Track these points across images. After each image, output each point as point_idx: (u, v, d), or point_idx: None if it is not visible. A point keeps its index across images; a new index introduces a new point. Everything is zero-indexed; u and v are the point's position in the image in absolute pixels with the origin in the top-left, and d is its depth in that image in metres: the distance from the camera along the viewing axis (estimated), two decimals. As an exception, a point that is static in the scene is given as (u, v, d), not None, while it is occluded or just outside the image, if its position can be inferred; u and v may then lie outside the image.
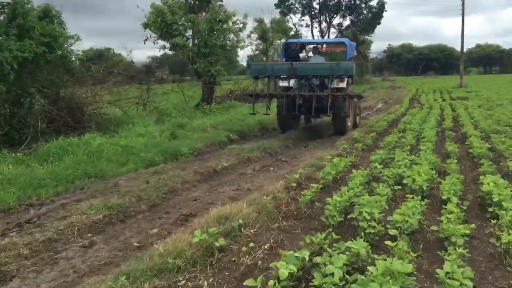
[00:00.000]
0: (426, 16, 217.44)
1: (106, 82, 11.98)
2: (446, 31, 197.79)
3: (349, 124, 12.77)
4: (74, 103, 10.76)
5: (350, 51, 13.71)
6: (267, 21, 28.04)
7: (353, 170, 6.66)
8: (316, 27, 54.80)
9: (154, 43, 17.04)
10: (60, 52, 10.14)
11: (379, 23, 52.00)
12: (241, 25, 17.62)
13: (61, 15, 10.51)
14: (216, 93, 19.99)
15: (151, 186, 6.81)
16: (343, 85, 12.18)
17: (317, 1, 52.34)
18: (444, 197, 5.18)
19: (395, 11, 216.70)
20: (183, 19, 16.47)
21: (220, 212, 4.69)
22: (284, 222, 4.81)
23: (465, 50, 54.68)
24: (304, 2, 52.19)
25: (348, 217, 4.48)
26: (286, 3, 51.84)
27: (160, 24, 16.23)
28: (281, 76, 12.38)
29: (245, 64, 57.26)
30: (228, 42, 17.30)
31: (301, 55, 14.28)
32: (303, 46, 14.22)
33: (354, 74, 11.92)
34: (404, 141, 9.65)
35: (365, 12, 51.90)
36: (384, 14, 50.64)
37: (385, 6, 51.03)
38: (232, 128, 13.13)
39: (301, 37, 52.61)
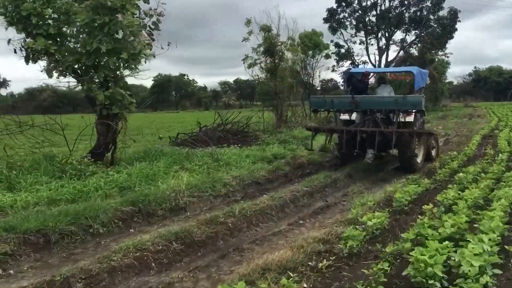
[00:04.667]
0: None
1: None
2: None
3: (418, 161, 11.40)
4: None
5: (420, 80, 11.81)
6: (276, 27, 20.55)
7: None
8: (372, 44, 45.75)
9: (20, 50, 10.25)
10: None
11: (451, 38, 41.76)
12: (146, 19, 10.25)
13: None
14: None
15: None
16: (410, 119, 10.97)
17: (373, 13, 43.40)
18: None
19: (483, 34, 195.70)
20: (51, 8, 9.64)
21: None
22: None
23: None
24: (358, 14, 43.51)
25: None
26: (337, 17, 43.57)
27: (13, 17, 9.58)
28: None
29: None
30: (132, 45, 10.03)
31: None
32: (368, 75, 13.11)
33: (423, 109, 11.01)
34: None
35: (434, 24, 42.07)
36: (464, 33, 40.77)
37: (459, 15, 41.05)
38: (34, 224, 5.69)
39: (353, 55, 44.48)
